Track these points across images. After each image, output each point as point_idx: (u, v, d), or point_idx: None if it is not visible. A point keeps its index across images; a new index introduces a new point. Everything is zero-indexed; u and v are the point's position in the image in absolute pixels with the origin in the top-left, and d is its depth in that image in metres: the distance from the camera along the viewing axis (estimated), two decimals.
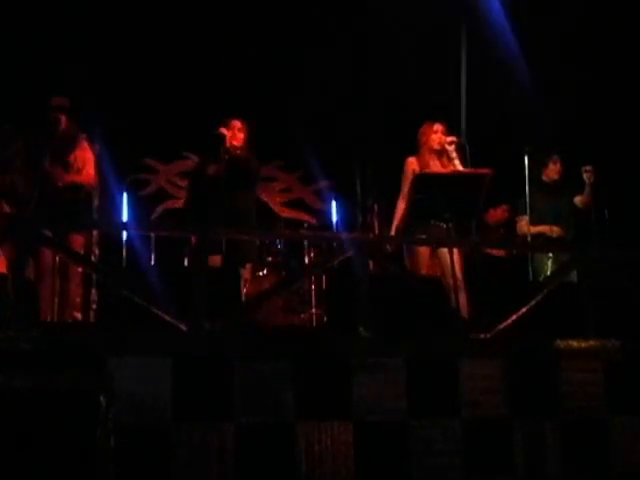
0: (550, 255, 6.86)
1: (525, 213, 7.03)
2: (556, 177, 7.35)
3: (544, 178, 7.36)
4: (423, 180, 5.81)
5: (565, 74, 8.05)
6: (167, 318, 4.62)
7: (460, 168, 6.13)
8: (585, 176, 7.00)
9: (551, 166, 7.34)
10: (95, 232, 7.55)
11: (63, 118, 6.09)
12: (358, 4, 7.77)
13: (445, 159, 6.28)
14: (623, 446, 5.15)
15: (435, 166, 6.25)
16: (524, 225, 7.12)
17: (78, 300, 6.38)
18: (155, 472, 4.35)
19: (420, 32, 7.78)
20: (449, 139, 6.26)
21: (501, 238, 7.85)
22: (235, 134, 6.31)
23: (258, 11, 7.94)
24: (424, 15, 7.73)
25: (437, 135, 6.30)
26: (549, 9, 7.49)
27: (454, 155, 6.21)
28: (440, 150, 6.28)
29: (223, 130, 6.23)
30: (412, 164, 6.29)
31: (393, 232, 6.31)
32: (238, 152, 6.28)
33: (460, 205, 5.66)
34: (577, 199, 7.22)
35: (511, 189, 7.30)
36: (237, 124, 6.35)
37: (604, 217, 7.00)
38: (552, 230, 7.14)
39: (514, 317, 5.19)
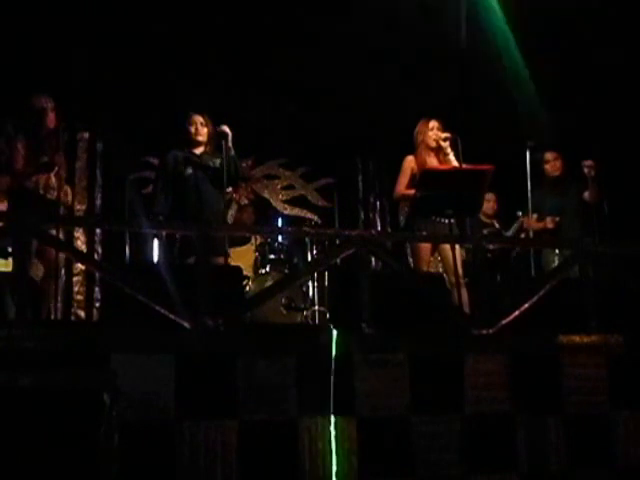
0: (557, 251, 6.86)
1: (533, 210, 7.03)
2: (557, 173, 7.32)
3: (546, 174, 7.34)
4: (429, 176, 5.84)
5: (565, 69, 8.04)
6: (170, 315, 4.63)
7: (455, 163, 6.16)
8: (585, 171, 6.98)
9: (550, 162, 7.31)
10: (98, 230, 7.59)
11: (48, 116, 5.94)
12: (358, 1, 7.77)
13: (442, 155, 6.33)
14: (626, 441, 5.15)
15: (432, 163, 6.31)
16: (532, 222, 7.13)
17: (81, 298, 6.41)
18: (159, 469, 4.35)
19: (420, 29, 7.78)
20: (443, 135, 6.30)
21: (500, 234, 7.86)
22: (199, 129, 6.30)
23: (256, 5, 7.93)
24: (424, 12, 7.73)
25: (433, 132, 6.36)
26: (548, 6, 7.48)
27: (449, 151, 6.28)
28: (437, 147, 6.33)
29: (225, 128, 6.22)
30: (410, 162, 6.36)
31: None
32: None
33: (462, 201, 5.68)
34: (585, 194, 7.18)
35: (513, 185, 7.30)
36: (199, 119, 6.33)
37: (604, 212, 6.98)
38: (552, 222, 7.12)
39: (517, 313, 5.19)
